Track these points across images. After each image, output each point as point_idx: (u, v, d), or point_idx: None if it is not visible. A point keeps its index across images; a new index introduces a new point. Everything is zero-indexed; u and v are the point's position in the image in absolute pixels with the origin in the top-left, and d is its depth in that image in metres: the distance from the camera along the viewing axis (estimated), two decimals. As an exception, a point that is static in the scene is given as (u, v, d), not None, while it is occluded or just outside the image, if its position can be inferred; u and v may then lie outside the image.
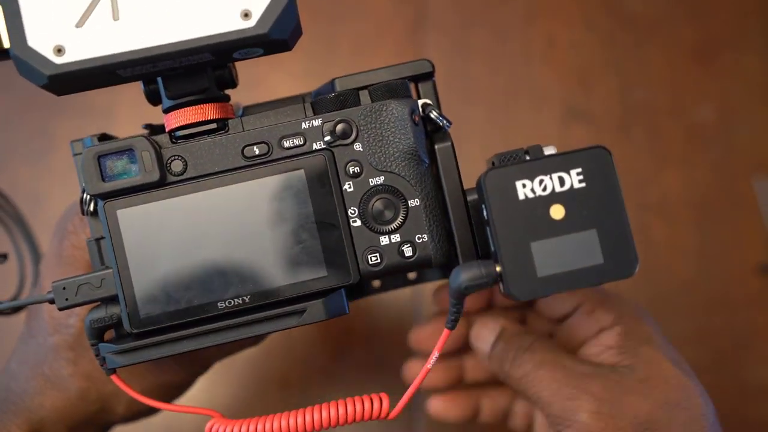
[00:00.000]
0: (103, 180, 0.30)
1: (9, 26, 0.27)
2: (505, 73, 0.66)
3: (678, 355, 0.34)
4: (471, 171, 0.59)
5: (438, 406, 0.42)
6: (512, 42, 0.66)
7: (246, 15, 0.28)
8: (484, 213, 0.29)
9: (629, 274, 0.28)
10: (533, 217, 0.28)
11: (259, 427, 0.30)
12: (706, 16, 0.67)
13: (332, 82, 0.33)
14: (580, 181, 0.29)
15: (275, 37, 0.28)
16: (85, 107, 0.64)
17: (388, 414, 0.31)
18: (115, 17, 0.28)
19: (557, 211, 0.28)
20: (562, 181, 0.29)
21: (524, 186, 0.29)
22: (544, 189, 0.29)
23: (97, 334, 0.31)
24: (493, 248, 0.29)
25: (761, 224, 0.62)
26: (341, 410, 0.31)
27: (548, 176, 0.29)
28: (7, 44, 0.28)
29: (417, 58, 0.33)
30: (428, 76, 0.33)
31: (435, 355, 0.31)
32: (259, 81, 0.60)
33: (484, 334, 0.36)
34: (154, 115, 0.43)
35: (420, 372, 0.31)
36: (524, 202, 0.28)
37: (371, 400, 0.31)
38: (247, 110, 0.35)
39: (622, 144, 0.64)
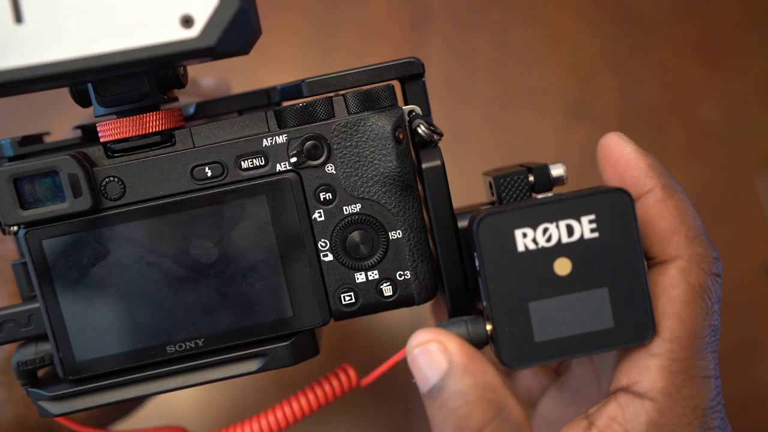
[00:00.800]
0: (23, 207, 0.25)
1: None
2: (505, 73, 0.64)
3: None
4: (470, 174, 0.55)
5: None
6: (513, 41, 0.65)
7: (187, 22, 0.22)
8: (476, 263, 0.25)
9: (642, 342, 0.24)
10: (534, 273, 0.24)
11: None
12: (709, 13, 0.66)
13: (300, 85, 0.27)
14: (592, 230, 0.24)
15: (225, 49, 0.22)
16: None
17: (358, 382, 0.29)
18: (18, 19, 0.22)
19: (562, 266, 0.24)
20: (570, 230, 0.24)
21: (525, 236, 0.24)
22: (549, 239, 0.24)
23: (28, 374, 0.27)
24: (484, 304, 0.25)
25: (766, 222, 0.61)
26: (312, 396, 0.28)
27: (554, 224, 0.24)
28: None
29: (405, 57, 0.28)
30: (417, 77, 0.28)
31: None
32: (256, 83, 0.58)
33: (427, 362, 0.25)
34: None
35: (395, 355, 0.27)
36: (524, 254, 0.24)
37: (337, 375, 0.29)
38: (202, 109, 0.30)
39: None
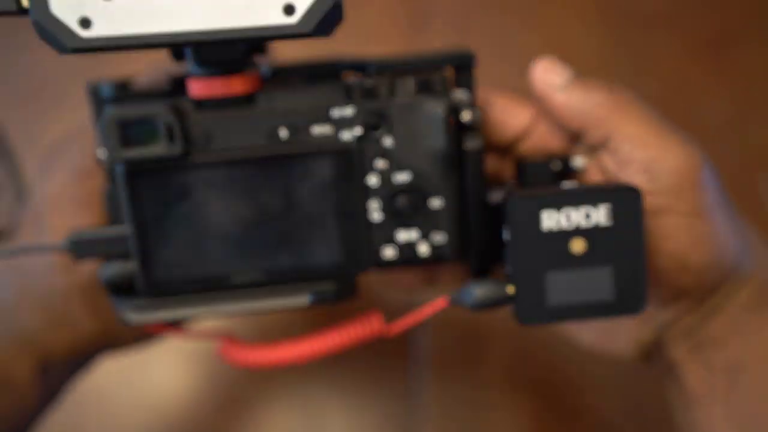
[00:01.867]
0: (123, 145, 0.29)
1: (30, -12, 0.25)
2: (503, 75, 0.62)
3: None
4: None
5: None
6: (511, 44, 0.66)
7: (288, 10, 0.26)
8: (505, 235, 0.29)
9: (636, 313, 0.29)
10: (553, 248, 0.29)
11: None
12: (715, 12, 0.66)
13: (369, 65, 0.31)
14: (606, 218, 0.28)
15: (317, 34, 0.26)
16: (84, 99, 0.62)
17: (385, 331, 0.33)
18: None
19: (578, 245, 0.29)
20: (588, 216, 0.28)
21: (549, 217, 0.28)
22: (569, 221, 0.28)
23: (112, 288, 0.32)
24: (509, 269, 0.29)
25: (765, 222, 0.61)
26: (343, 335, 0.33)
27: (576, 209, 0.28)
28: (26, 3, 0.26)
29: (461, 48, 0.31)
30: (468, 67, 0.32)
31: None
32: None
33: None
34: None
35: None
36: (547, 232, 0.28)
37: (365, 320, 0.33)
38: (277, 73, 0.33)
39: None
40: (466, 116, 0.31)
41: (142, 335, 0.38)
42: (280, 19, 0.26)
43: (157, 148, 0.29)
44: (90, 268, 0.35)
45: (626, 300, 0.29)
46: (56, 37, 0.26)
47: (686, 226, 0.31)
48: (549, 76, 0.34)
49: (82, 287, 0.35)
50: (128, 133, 0.29)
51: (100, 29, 0.26)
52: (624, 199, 0.28)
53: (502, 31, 0.66)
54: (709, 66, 0.65)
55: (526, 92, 0.61)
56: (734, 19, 0.67)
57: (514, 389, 0.58)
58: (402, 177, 0.31)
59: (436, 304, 0.32)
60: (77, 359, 0.37)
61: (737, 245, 0.33)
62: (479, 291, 0.29)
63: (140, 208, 0.30)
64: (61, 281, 0.35)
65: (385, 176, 0.31)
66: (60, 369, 0.37)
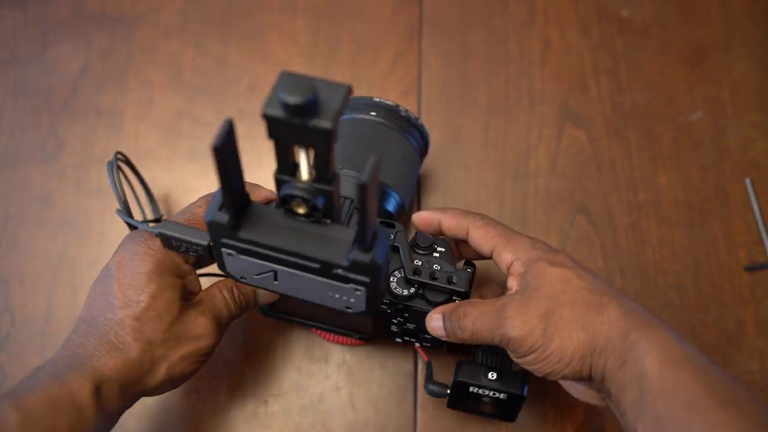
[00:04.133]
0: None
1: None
2: (502, 78, 0.69)
3: (564, 258, 0.46)
4: (470, 169, 0.68)
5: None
6: (506, 51, 0.69)
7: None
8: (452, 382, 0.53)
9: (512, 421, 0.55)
10: (473, 399, 0.53)
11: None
12: (696, 22, 0.69)
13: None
14: (503, 398, 0.52)
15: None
16: (92, 111, 0.69)
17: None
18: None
19: (486, 407, 0.53)
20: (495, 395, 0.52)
21: (473, 389, 0.52)
22: (482, 394, 0.52)
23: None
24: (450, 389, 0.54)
25: (749, 224, 0.64)
26: None
27: (488, 392, 0.52)
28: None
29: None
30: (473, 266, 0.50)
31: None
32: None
33: (436, 324, 0.48)
34: (159, 115, 0.65)
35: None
36: (471, 393, 0.52)
37: None
38: None
39: (616, 146, 0.66)
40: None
41: (171, 373, 0.46)
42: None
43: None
44: (146, 301, 0.44)
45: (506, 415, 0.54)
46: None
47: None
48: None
49: (136, 317, 0.44)
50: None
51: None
52: (513, 397, 0.52)
53: (497, 37, 0.69)
54: (690, 73, 0.68)
55: (517, 97, 0.68)
56: (714, 30, 0.69)
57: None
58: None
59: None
60: (125, 388, 0.44)
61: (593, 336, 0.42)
62: (431, 387, 0.55)
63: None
64: (119, 314, 0.44)
65: None
66: (111, 392, 0.43)
